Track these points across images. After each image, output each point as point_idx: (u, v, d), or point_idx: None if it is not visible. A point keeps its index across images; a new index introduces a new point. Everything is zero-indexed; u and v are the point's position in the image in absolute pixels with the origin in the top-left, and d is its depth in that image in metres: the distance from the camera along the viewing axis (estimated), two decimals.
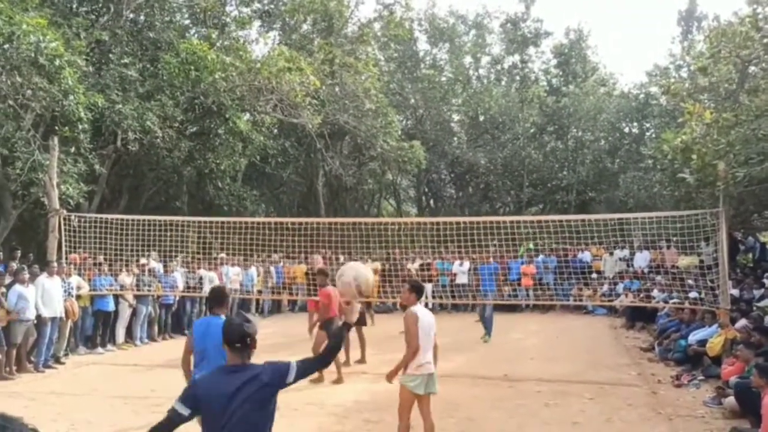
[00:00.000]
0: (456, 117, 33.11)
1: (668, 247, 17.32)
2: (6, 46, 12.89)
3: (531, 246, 19.50)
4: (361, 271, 4.95)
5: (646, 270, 17.69)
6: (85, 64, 16.35)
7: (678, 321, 13.14)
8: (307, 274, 16.84)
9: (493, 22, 33.78)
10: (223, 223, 15.67)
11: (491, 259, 15.08)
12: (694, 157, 11.78)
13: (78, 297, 12.72)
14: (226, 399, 3.48)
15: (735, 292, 12.88)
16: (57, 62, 13.79)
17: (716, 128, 11.18)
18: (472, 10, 46.23)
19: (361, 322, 11.82)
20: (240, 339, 3.61)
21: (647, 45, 59.95)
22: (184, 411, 3.51)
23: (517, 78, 33.46)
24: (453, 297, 17.72)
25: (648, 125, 29.66)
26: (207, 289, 16.18)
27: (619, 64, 64.65)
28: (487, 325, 14.48)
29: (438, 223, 17.45)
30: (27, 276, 11.35)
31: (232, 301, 17.86)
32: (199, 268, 16.40)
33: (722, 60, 12.16)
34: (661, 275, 15.99)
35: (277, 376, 3.64)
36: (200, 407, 3.52)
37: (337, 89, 23.43)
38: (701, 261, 14.07)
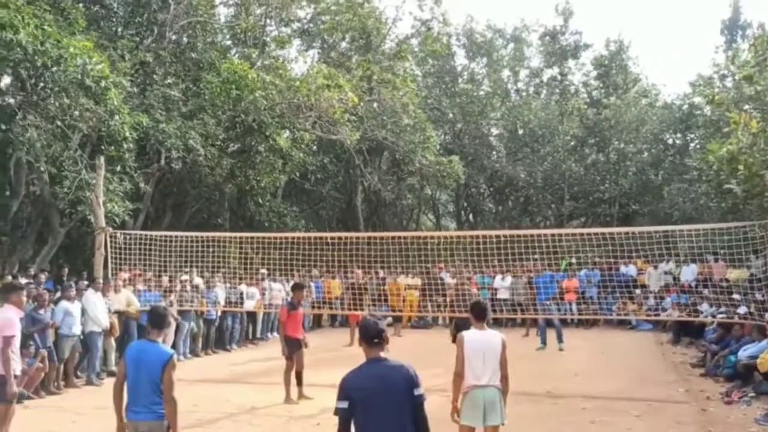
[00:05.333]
0: (495, 131, 32.92)
1: (716, 260, 16.90)
2: (54, 68, 13.29)
3: (572, 261, 19.20)
4: None
5: (693, 284, 17.26)
6: (129, 85, 16.78)
7: (720, 336, 12.80)
8: (348, 289, 16.98)
9: (531, 35, 33.72)
10: (263, 238, 15.80)
11: (546, 270, 15.38)
12: (741, 167, 11.52)
13: (119, 313, 12.91)
14: (371, 387, 3.99)
15: None
16: (103, 84, 14.17)
17: (763, 137, 10.91)
18: (510, 23, 46.28)
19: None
20: (377, 335, 4.16)
21: (690, 55, 59.09)
22: (344, 404, 3.99)
23: (557, 91, 33.19)
24: (494, 312, 17.53)
25: (692, 136, 29.03)
26: (248, 304, 16.38)
27: (662, 74, 63.72)
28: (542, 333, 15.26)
29: (478, 237, 17.32)
30: (74, 293, 11.64)
31: (273, 315, 18.04)
32: (240, 283, 16.57)
33: None
34: (709, 289, 15.59)
35: (408, 382, 4.08)
36: (354, 398, 3.98)
37: (375, 105, 23.58)
38: (751, 274, 13.68)
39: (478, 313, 6.13)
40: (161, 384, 5.15)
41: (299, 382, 10.26)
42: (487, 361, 5.91)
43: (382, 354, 4.19)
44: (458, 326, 11.99)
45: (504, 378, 5.98)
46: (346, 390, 4.02)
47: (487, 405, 5.87)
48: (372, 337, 4.16)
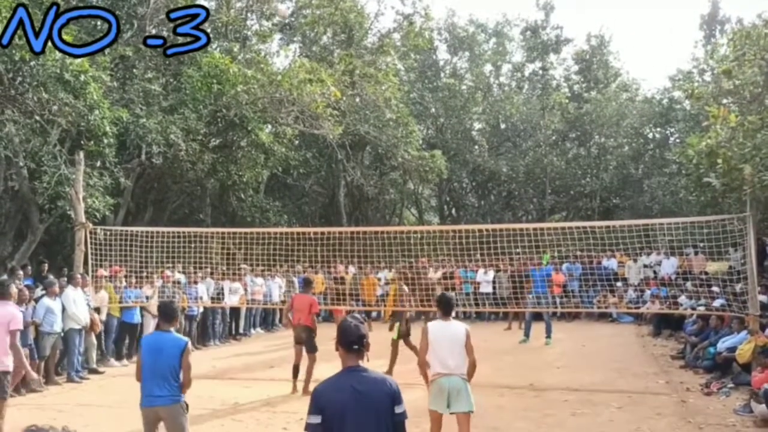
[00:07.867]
0: (477, 125, 33.05)
1: (696, 253, 17.08)
2: (32, 62, 13.12)
3: (555, 254, 19.28)
4: None
5: (673, 276, 17.43)
6: (109, 80, 16.61)
7: (700, 328, 12.95)
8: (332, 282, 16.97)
9: (513, 29, 33.84)
10: (246, 234, 15.73)
11: (542, 265, 15.51)
12: (720, 161, 11.61)
13: (97, 309, 12.83)
14: (349, 400, 3.56)
15: (763, 298, 12.65)
16: (82, 78, 14.02)
17: (742, 131, 11.02)
18: (492, 18, 46.28)
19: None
20: (357, 340, 3.69)
21: (670, 50, 59.51)
22: (317, 420, 3.56)
23: (539, 85, 33.35)
24: (477, 305, 17.61)
25: (672, 130, 29.30)
26: (231, 300, 16.31)
27: (642, 69, 64.10)
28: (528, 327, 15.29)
29: (460, 231, 17.36)
30: (57, 289, 11.52)
31: (255, 311, 18.00)
32: (223, 279, 16.48)
33: (747, 63, 11.97)
34: (689, 282, 15.76)
35: (390, 398, 3.68)
36: (327, 413, 3.57)
37: (357, 100, 23.53)
38: (730, 267, 13.84)
39: (445, 307, 6.53)
40: (179, 369, 5.73)
41: (295, 375, 10.37)
42: (452, 349, 6.25)
43: (361, 363, 3.72)
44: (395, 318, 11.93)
45: (472, 364, 6.31)
46: (319, 403, 3.58)
47: (452, 392, 6.18)
48: (351, 342, 3.68)
